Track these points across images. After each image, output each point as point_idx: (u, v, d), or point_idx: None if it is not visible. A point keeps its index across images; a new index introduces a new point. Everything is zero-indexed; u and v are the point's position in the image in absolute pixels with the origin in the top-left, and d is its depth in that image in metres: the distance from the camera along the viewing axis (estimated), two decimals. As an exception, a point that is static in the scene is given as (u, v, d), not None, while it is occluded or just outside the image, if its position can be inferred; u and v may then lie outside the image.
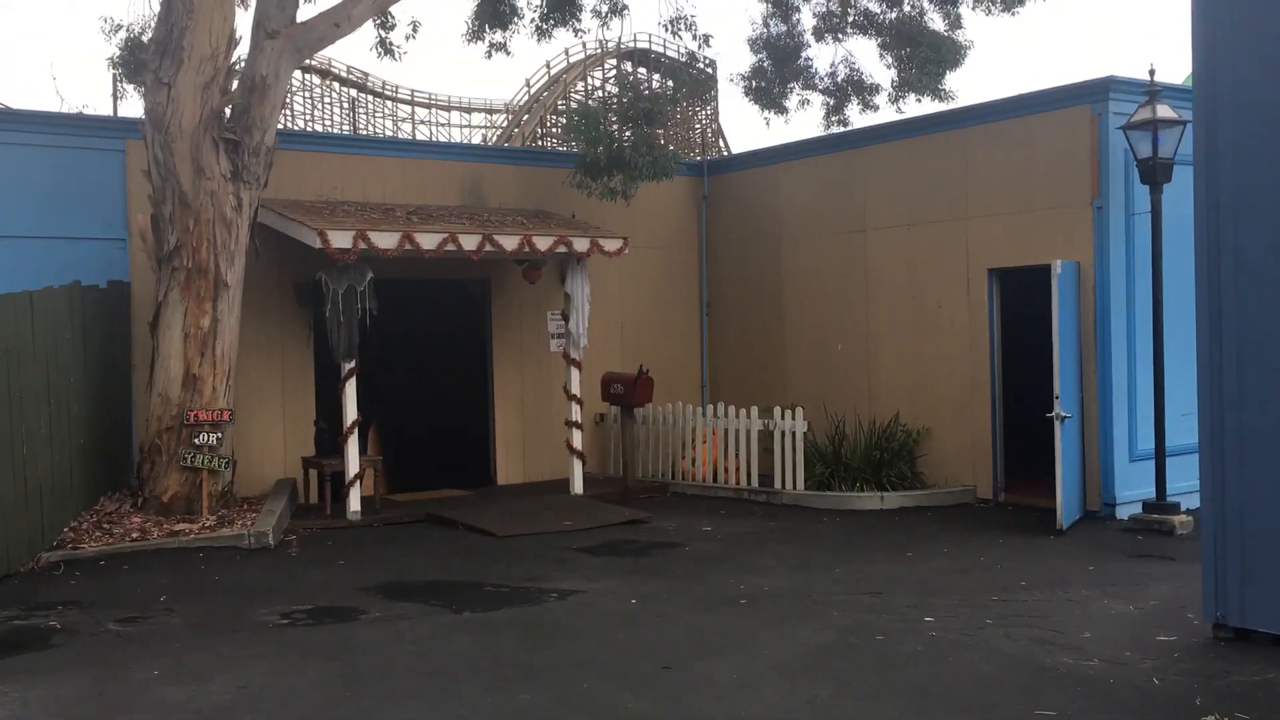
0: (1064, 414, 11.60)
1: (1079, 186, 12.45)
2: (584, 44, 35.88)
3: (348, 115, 37.53)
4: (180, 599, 9.19)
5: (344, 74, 37.64)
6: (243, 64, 12.49)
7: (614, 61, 35.87)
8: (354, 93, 38.21)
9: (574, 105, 36.03)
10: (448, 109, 40.14)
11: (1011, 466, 13.73)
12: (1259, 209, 7.08)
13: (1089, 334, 12.39)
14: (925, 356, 14.26)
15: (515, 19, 15.17)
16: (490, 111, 39.74)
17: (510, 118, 37.02)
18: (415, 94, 39.43)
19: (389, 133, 36.54)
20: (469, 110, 40.21)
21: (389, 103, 38.92)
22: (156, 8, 12.24)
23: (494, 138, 36.31)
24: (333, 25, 12.74)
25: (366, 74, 38.25)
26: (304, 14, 12.91)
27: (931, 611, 8.51)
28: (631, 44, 32.89)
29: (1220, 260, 7.23)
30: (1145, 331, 12.10)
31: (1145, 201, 11.90)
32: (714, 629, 8.20)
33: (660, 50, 33.55)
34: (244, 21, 12.57)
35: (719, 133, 35.18)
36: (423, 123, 38.88)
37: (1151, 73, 11.71)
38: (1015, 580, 9.59)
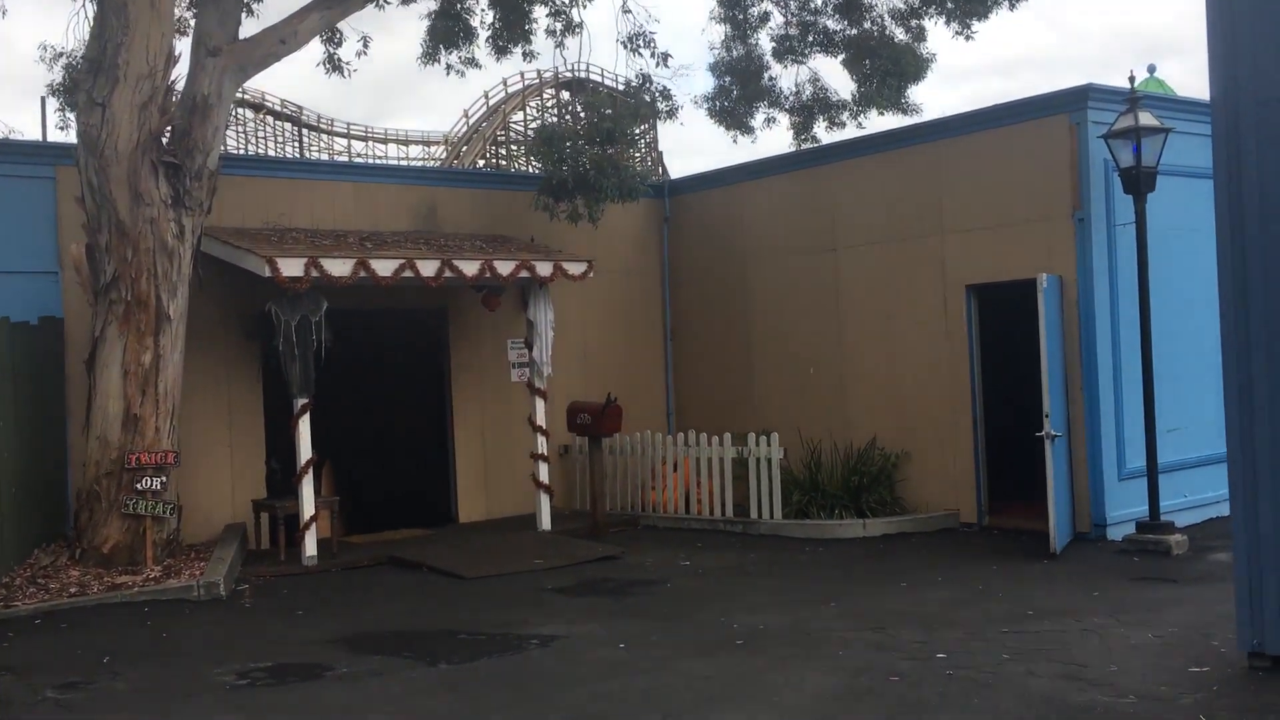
0: (1054, 433, 11.19)
1: (1059, 198, 12.10)
2: (521, 74, 35.40)
3: (283, 150, 36.66)
4: (126, 660, 8.38)
5: (278, 107, 36.77)
6: (183, 83, 11.74)
7: (551, 91, 35.44)
8: (289, 126, 37.35)
9: (513, 135, 35.62)
10: (384, 141, 39.44)
11: (993, 489, 13.31)
12: (1288, 209, 6.69)
13: (1073, 349, 12.02)
14: (902, 377, 13.82)
15: (469, 40, 14.58)
16: (428, 143, 39.08)
17: (450, 149, 36.39)
18: (351, 127, 38.68)
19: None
20: (406, 142, 39.54)
21: (325, 136, 38.12)
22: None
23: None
24: (278, 42, 12.06)
25: (301, 108, 37.41)
26: (247, 30, 12.23)
27: (942, 647, 7.98)
28: (570, 73, 32.39)
29: (1247, 265, 6.81)
30: (1131, 346, 11.75)
31: (1127, 212, 11.58)
32: (715, 674, 7.59)
33: (599, 79, 33.12)
34: (184, 40, 11.87)
35: (658, 160, 34.76)
36: (359, 155, 38.13)
37: (1132, 80, 11.44)
38: (1021, 609, 9.10)
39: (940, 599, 9.66)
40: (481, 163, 34.09)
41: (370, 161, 35.39)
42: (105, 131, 10.83)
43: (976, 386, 13.12)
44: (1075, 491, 12.01)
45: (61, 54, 14.25)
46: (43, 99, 14.13)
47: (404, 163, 36.40)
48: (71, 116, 14.79)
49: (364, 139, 38.95)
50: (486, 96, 35.64)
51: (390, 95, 66.80)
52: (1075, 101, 11.94)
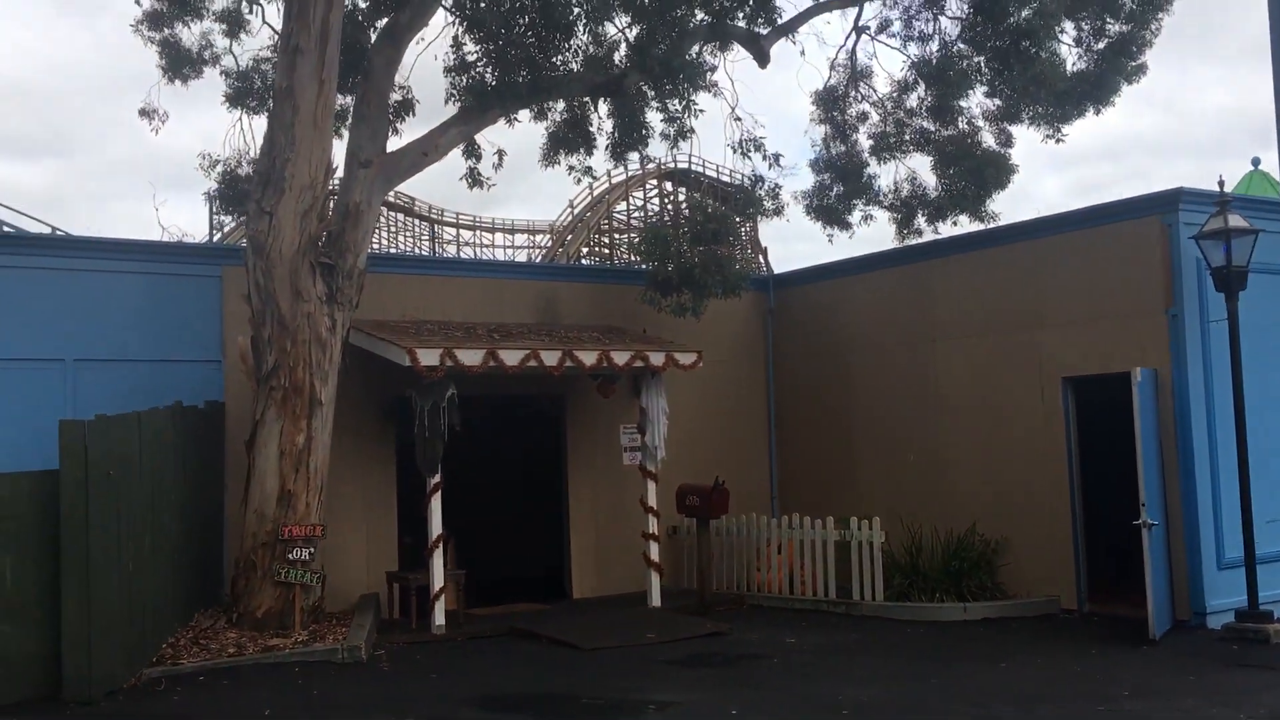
0: (1150, 521, 11.59)
1: (1152, 295, 12.63)
2: (625, 165, 36.71)
3: (395, 239, 38.50)
4: (286, 714, 9.29)
5: (391, 198, 38.68)
6: (337, 191, 13.03)
7: (655, 182, 36.70)
8: (400, 216, 39.26)
9: (616, 224, 36.90)
10: (492, 230, 41.16)
11: (1093, 576, 13.64)
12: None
13: (1170, 440, 12.43)
14: (1000, 466, 14.30)
15: (588, 149, 15.65)
16: (533, 232, 40.64)
17: (554, 238, 37.77)
18: (460, 216, 40.48)
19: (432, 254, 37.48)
20: (513, 231, 41.18)
21: (436, 226, 39.92)
22: (250, 141, 12.85)
23: (539, 259, 36.97)
24: (421, 154, 13.32)
25: (413, 199, 39.32)
26: (393, 144, 13.52)
27: (1040, 722, 8.47)
28: (672, 165, 33.62)
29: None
30: (1226, 438, 12.12)
31: (1219, 308, 12.05)
32: (823, 740, 8.19)
33: (700, 170, 34.31)
34: (338, 150, 13.17)
35: (759, 251, 35.62)
36: (466, 244, 39.87)
37: (1221, 184, 12.00)
38: (1117, 690, 9.51)
39: (1038, 679, 10.09)
40: (585, 250, 35.32)
41: (494, 259, 36.70)
42: (271, 237, 12.11)
43: (1075, 475, 13.54)
44: (1174, 580, 12.31)
45: (217, 161, 15.69)
46: (211, 207, 15.61)
47: (524, 259, 37.72)
48: (226, 219, 16.31)
49: (473, 228, 40.72)
50: (591, 188, 36.95)
51: (498, 184, 69.20)
52: (1167, 204, 12.52)
